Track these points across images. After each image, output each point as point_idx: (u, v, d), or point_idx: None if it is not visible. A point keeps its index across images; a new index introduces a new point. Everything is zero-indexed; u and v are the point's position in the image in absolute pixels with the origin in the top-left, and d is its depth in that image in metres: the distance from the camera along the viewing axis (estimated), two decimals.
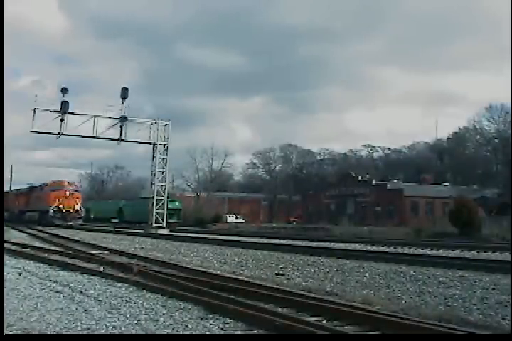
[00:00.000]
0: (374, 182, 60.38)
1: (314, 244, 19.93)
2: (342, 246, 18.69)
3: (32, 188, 44.08)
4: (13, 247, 15.18)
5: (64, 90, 30.77)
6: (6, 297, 6.76)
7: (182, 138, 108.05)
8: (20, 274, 9.49)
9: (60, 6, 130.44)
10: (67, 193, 37.97)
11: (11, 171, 59.97)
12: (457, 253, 16.15)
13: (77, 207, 38.09)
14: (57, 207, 36.82)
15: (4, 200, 48.29)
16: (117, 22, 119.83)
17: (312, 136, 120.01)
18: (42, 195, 39.58)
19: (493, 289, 8.19)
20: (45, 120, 30.56)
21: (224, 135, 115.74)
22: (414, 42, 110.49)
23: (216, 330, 5.23)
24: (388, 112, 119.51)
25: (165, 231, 31.53)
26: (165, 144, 33.69)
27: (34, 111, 29.99)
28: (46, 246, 16.80)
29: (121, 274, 9.20)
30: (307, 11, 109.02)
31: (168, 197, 34.78)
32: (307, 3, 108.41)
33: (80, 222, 38.53)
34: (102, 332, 5.13)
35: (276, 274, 10.05)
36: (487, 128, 55.70)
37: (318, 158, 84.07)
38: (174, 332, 5.15)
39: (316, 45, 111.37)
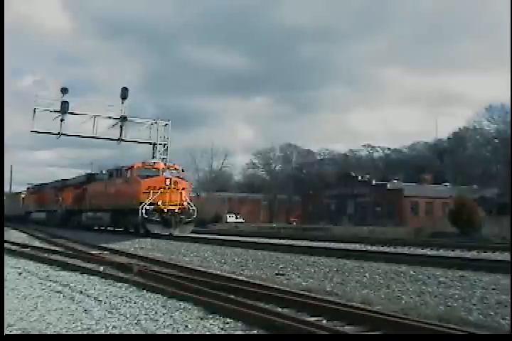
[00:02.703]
0: (374, 182, 60.42)
1: (314, 244, 19.88)
2: (342, 246, 18.64)
3: (91, 176, 31.38)
4: (13, 247, 15.20)
5: (64, 90, 30.87)
6: (6, 297, 6.76)
7: (182, 138, 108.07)
8: (20, 274, 9.49)
9: (63, 6, 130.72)
10: (168, 181, 22.87)
11: (11, 171, 59.96)
12: (457, 253, 16.12)
13: (185, 203, 23.39)
14: (153, 203, 22.23)
15: (34, 197, 42.16)
16: (120, 22, 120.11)
17: (314, 137, 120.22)
18: (122, 184, 24.95)
19: (493, 289, 8.17)
20: (46, 120, 30.72)
21: (225, 135, 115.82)
22: (415, 42, 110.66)
23: (216, 330, 5.23)
24: (389, 112, 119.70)
25: None
26: (165, 144, 33.71)
27: (34, 111, 30.07)
28: (46, 246, 16.80)
29: (121, 274, 9.20)
30: (310, 11, 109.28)
31: None
32: (310, 3, 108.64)
33: (192, 228, 24.23)
34: (102, 332, 5.13)
35: (276, 274, 10.04)
36: (487, 128, 55.86)
37: (318, 158, 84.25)
38: (174, 332, 5.15)
39: (318, 46, 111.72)
